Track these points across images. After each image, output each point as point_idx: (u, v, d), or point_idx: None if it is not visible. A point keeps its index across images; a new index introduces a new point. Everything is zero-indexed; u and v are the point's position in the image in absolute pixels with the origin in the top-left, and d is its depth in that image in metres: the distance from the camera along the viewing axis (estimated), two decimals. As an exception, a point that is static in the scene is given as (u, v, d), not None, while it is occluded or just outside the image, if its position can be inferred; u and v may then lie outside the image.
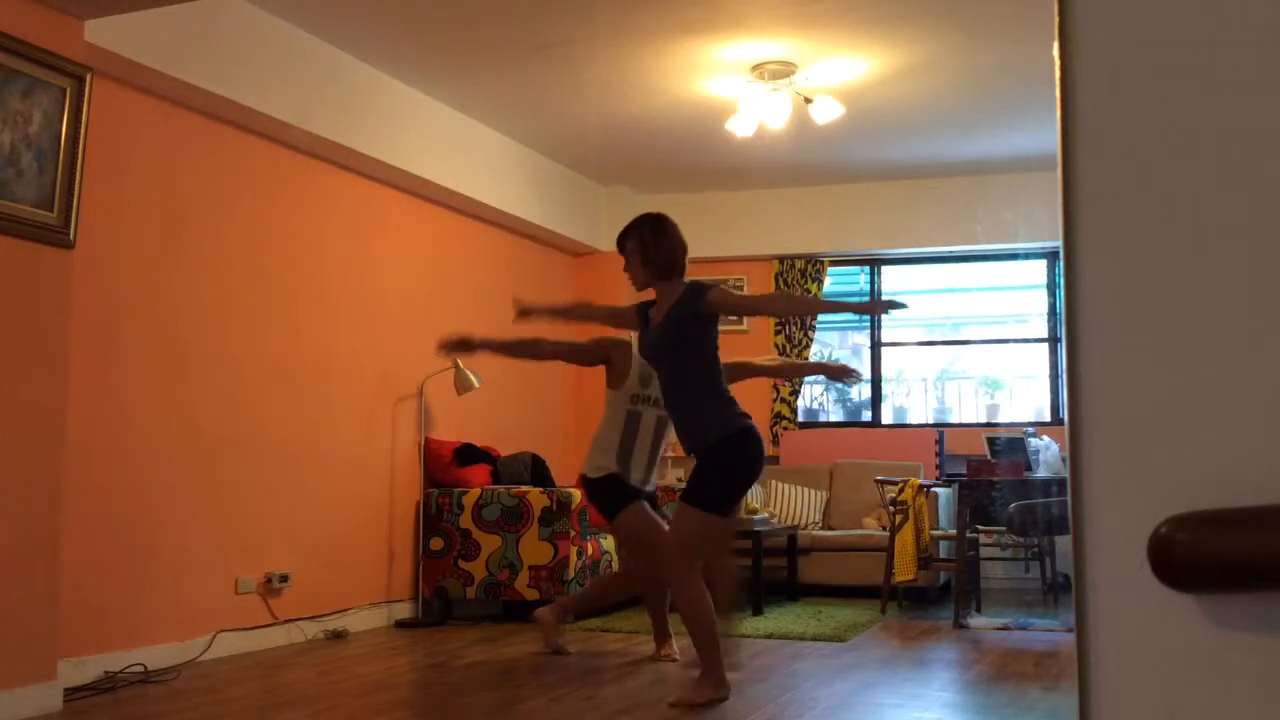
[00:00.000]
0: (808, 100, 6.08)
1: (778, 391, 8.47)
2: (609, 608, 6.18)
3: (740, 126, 6.23)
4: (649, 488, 5.08)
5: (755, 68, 5.92)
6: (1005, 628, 5.99)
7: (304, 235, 5.76)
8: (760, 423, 8.40)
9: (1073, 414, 1.00)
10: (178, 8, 4.42)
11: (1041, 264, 8.35)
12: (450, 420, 6.75)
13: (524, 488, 6.39)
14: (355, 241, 6.14)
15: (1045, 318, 8.37)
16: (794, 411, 8.50)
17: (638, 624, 6.04)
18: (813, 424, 8.81)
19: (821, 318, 8.65)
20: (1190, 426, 0.96)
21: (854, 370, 5.20)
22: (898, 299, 4.19)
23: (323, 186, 5.91)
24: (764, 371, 5.59)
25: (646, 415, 4.97)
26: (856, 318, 8.91)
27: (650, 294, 4.46)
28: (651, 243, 4.36)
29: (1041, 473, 6.62)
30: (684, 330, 4.24)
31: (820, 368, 5.71)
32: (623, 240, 4.48)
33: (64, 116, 4.01)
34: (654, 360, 4.39)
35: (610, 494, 4.91)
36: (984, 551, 7.16)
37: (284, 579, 5.46)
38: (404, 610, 6.31)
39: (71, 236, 4.06)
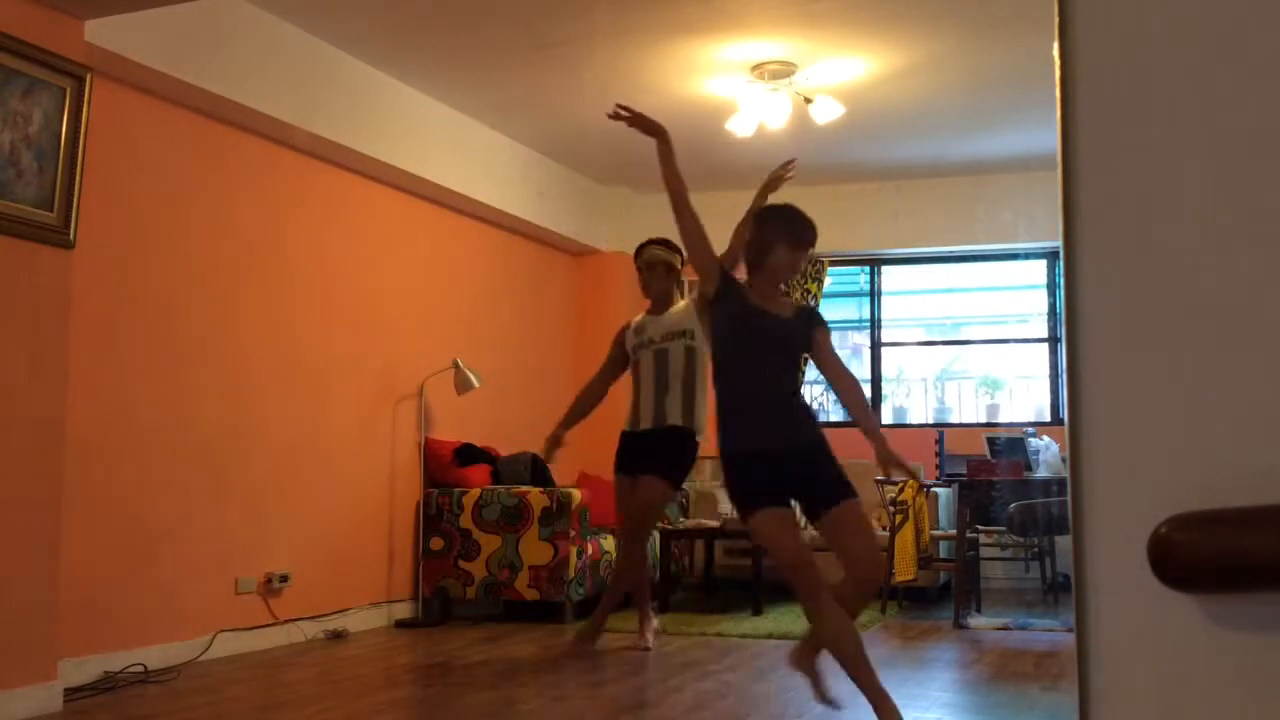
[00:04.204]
0: (808, 100, 6.08)
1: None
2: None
3: (740, 126, 6.23)
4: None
5: (755, 68, 5.92)
6: (1005, 628, 5.99)
7: (304, 235, 5.76)
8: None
9: (1073, 414, 1.00)
10: (178, 8, 4.42)
11: (1041, 264, 8.35)
12: (450, 420, 6.75)
13: (524, 488, 6.39)
14: (355, 241, 6.14)
15: (1045, 318, 8.37)
16: (794, 411, 8.49)
17: (638, 624, 6.03)
18: (813, 424, 8.79)
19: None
20: (1190, 426, 0.96)
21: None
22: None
23: (323, 186, 5.91)
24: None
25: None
26: (857, 317, 8.91)
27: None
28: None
29: (1041, 473, 6.62)
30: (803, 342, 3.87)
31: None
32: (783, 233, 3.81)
33: (64, 116, 4.01)
34: (771, 343, 3.81)
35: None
36: (984, 551, 7.16)
37: (284, 579, 5.46)
38: (404, 610, 6.31)
39: (71, 236, 4.06)
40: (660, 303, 5.47)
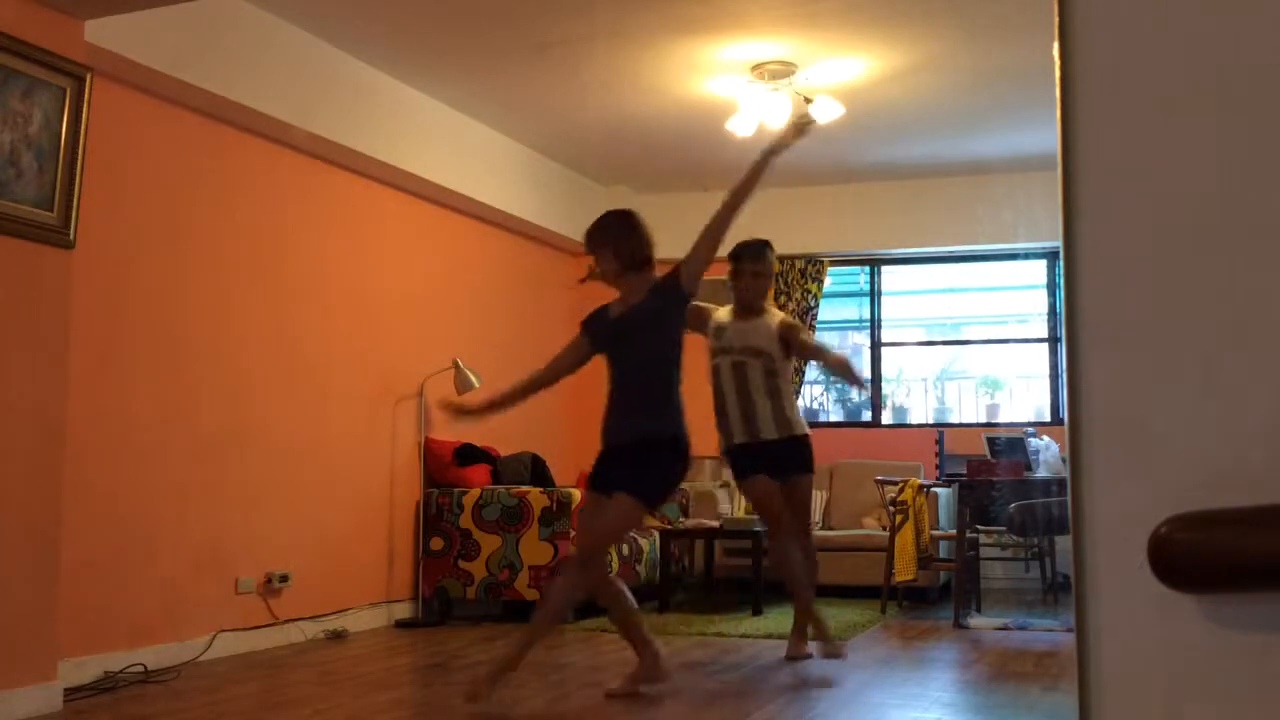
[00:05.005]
0: (808, 100, 6.08)
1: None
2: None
3: (740, 126, 6.23)
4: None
5: (755, 68, 5.92)
6: (1005, 628, 5.99)
7: (304, 235, 5.76)
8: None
9: (1073, 414, 1.00)
10: (178, 8, 4.42)
11: (1041, 264, 8.35)
12: (450, 420, 6.74)
13: (524, 488, 6.39)
14: (355, 241, 6.14)
15: (1045, 318, 8.37)
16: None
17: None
18: (812, 424, 8.78)
19: (821, 318, 8.63)
20: (1190, 426, 0.96)
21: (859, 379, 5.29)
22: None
23: (323, 186, 5.91)
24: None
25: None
26: (857, 317, 8.91)
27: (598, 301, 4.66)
28: (625, 236, 4.47)
29: (1041, 473, 6.62)
30: (665, 310, 4.37)
31: (833, 362, 5.21)
32: (599, 238, 4.53)
33: (64, 116, 4.01)
34: (626, 339, 4.42)
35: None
36: (984, 551, 7.16)
37: (284, 579, 5.46)
38: (404, 610, 6.31)
39: (71, 236, 4.06)
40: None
